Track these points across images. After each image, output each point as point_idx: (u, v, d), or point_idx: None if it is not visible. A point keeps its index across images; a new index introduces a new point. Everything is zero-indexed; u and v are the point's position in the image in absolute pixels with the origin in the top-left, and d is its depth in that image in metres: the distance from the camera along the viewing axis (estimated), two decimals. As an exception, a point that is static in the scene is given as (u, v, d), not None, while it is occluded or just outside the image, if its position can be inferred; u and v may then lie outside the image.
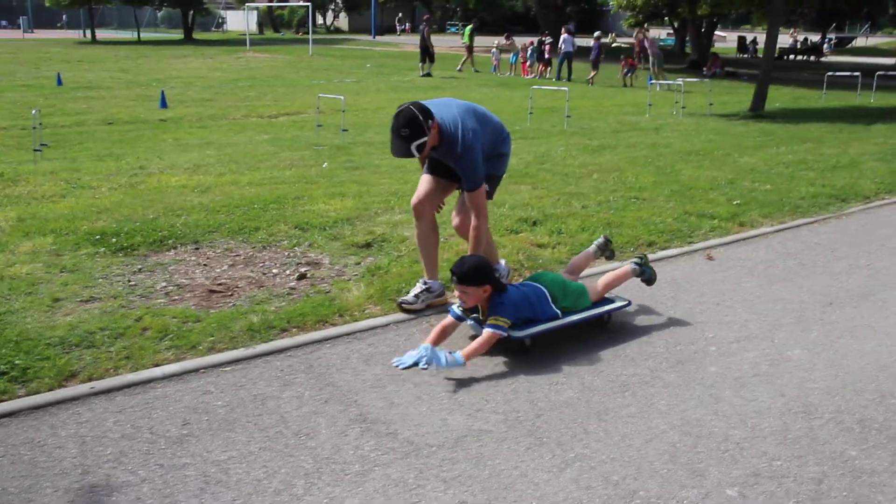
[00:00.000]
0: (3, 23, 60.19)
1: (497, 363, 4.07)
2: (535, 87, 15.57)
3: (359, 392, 3.74)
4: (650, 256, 5.63)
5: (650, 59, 24.19)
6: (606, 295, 4.57)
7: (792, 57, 39.86)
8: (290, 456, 3.21)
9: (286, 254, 5.74)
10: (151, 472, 3.08)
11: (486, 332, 3.94)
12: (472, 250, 4.41)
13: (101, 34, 47.38)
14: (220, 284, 5.11)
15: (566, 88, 14.17)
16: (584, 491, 3.03)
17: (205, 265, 5.47)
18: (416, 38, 28.81)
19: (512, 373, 3.98)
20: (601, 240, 4.95)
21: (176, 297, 4.88)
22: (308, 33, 39.82)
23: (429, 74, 25.34)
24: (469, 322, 4.17)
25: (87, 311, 4.59)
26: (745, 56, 39.93)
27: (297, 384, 3.80)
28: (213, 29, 61.00)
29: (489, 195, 4.52)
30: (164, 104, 16.82)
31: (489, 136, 4.43)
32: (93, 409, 3.56)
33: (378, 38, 48.85)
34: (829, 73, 21.10)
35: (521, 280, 4.74)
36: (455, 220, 4.69)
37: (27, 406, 3.57)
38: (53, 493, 2.96)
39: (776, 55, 29.06)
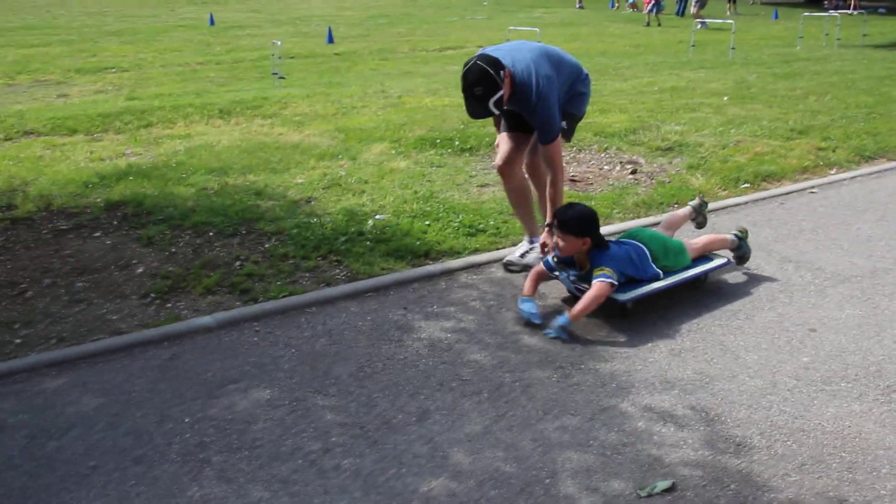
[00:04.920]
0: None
1: (865, 229, 5.06)
2: (699, 21, 16.12)
3: (777, 241, 4.80)
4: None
5: None
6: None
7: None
8: (757, 276, 4.27)
9: (602, 155, 6.77)
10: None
11: (596, 283, 3.66)
12: (552, 208, 4.10)
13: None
14: (573, 176, 6.16)
15: (732, 21, 14.77)
16: None
17: (544, 163, 6.52)
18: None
19: (878, 235, 4.97)
20: (696, 201, 4.60)
21: (547, 185, 5.94)
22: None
23: (581, 7, 27.00)
24: (561, 276, 3.91)
25: (492, 192, 5.69)
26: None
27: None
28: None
29: (568, 136, 4.20)
30: (330, 40, 17.91)
31: (565, 79, 4.06)
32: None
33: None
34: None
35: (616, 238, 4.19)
36: (526, 160, 4.36)
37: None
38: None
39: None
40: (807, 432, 2.94)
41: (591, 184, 5.93)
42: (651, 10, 22.19)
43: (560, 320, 3.64)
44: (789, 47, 16.42)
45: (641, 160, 6.59)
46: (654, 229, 4.28)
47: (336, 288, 4.18)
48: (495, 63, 3.80)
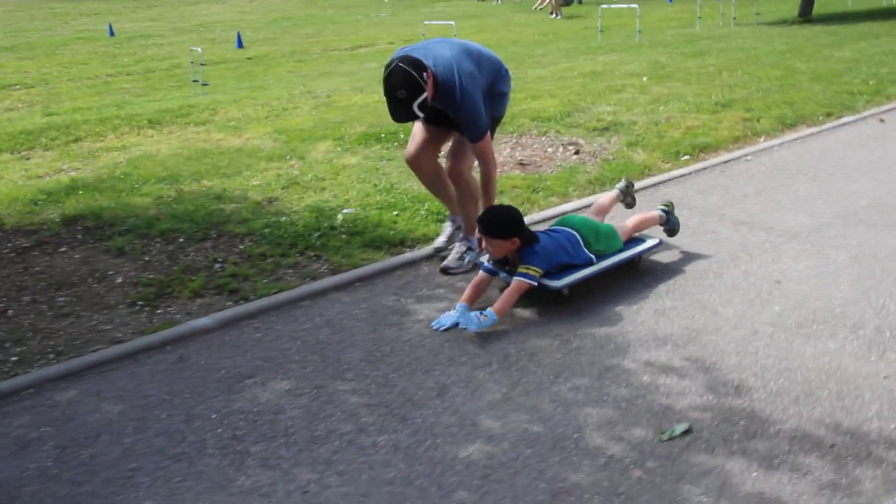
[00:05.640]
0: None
1: (802, 189, 5.46)
2: (604, 6, 16.69)
3: (726, 206, 5.13)
4: (831, 125, 7.01)
5: None
6: (635, 235, 4.33)
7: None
8: (716, 239, 4.59)
9: (543, 139, 7.03)
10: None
11: (515, 281, 3.75)
12: (486, 204, 4.16)
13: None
14: (521, 160, 6.40)
15: (636, 6, 15.36)
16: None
17: (491, 150, 6.74)
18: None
19: (814, 194, 5.37)
20: (623, 183, 4.67)
21: (499, 171, 6.16)
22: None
23: None
24: (502, 275, 3.95)
25: (448, 181, 5.85)
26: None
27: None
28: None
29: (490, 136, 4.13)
30: (240, 45, 17.73)
31: (487, 76, 4.02)
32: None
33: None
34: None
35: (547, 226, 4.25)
36: (447, 164, 4.26)
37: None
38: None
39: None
40: (793, 371, 3.23)
41: (540, 166, 6.18)
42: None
43: (491, 317, 3.66)
44: (689, 28, 17.16)
45: (581, 141, 6.88)
46: (584, 215, 4.37)
47: (323, 281, 4.29)
48: (417, 64, 3.72)
